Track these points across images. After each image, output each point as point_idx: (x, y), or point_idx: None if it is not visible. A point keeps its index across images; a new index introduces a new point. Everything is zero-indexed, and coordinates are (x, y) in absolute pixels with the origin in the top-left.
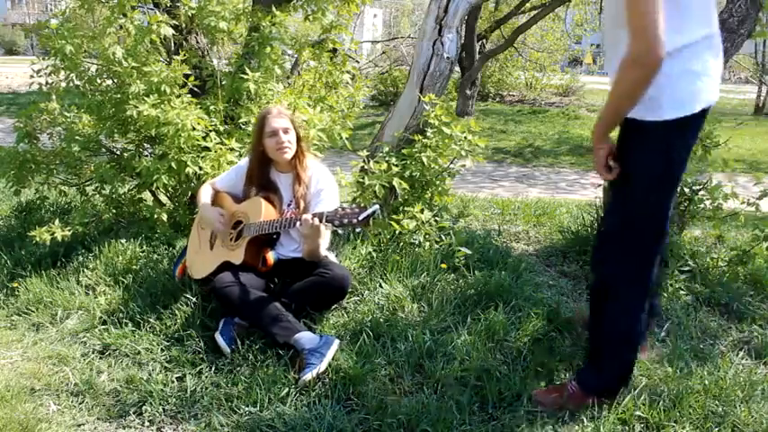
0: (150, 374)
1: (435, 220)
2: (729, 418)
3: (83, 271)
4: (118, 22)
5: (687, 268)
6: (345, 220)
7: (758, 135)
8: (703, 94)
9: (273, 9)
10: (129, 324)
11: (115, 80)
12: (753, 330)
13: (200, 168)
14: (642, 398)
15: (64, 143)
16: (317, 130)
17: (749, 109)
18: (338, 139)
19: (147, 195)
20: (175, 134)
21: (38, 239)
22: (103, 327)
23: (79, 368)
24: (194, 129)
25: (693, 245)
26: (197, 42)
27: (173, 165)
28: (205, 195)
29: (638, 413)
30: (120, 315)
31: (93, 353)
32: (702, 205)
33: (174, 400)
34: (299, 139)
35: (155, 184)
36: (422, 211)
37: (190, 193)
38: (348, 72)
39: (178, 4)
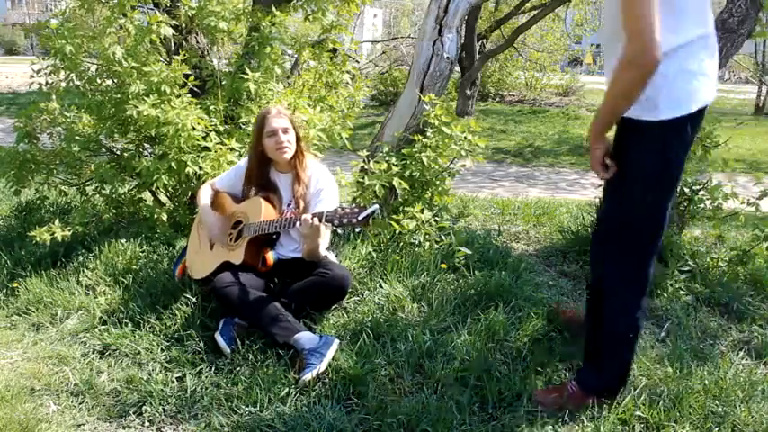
0: (150, 374)
1: (435, 220)
2: (729, 418)
3: (83, 271)
4: (118, 22)
5: (687, 268)
6: (345, 220)
7: (758, 135)
8: (700, 93)
9: (273, 9)
10: (129, 324)
11: (115, 80)
12: (753, 330)
13: (200, 168)
14: (642, 398)
15: (64, 143)
16: (316, 130)
17: (749, 109)
18: (338, 139)
19: (147, 195)
20: (175, 134)
21: (38, 239)
22: (103, 327)
23: (79, 368)
24: (194, 129)
25: (693, 245)
26: (197, 42)
27: (173, 165)
28: (205, 196)
29: (638, 413)
30: (120, 315)
31: (93, 353)
32: (702, 205)
33: (174, 400)
34: (298, 139)
35: (155, 184)
36: (422, 211)
37: (190, 193)
38: (348, 72)
39: (178, 4)
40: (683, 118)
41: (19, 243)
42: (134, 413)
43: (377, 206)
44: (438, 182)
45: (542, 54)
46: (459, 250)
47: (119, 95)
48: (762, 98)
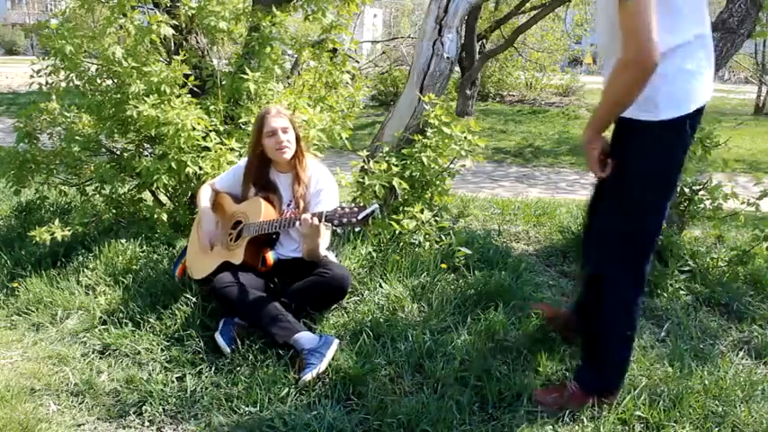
0: (150, 374)
1: (435, 220)
2: (729, 418)
3: (83, 271)
4: (118, 22)
5: (687, 268)
6: (345, 220)
7: (758, 135)
8: (698, 93)
9: (273, 9)
10: (129, 324)
11: (115, 80)
12: (753, 330)
13: (201, 168)
14: (642, 398)
15: (64, 143)
16: (316, 130)
17: (749, 109)
18: (338, 139)
19: (147, 195)
20: (175, 134)
21: (38, 239)
22: (103, 327)
23: (79, 368)
24: (194, 129)
25: (693, 245)
26: (197, 42)
27: (173, 165)
28: (205, 197)
29: (638, 413)
30: (120, 315)
31: (93, 353)
32: (702, 205)
33: (174, 400)
34: (298, 139)
35: (155, 184)
36: (422, 211)
37: (190, 193)
38: (348, 72)
39: (178, 4)
40: (682, 118)
41: (19, 243)
42: (134, 413)
43: (376, 206)
44: (438, 182)
45: (542, 54)
46: (460, 250)
47: (119, 95)
48: (762, 98)
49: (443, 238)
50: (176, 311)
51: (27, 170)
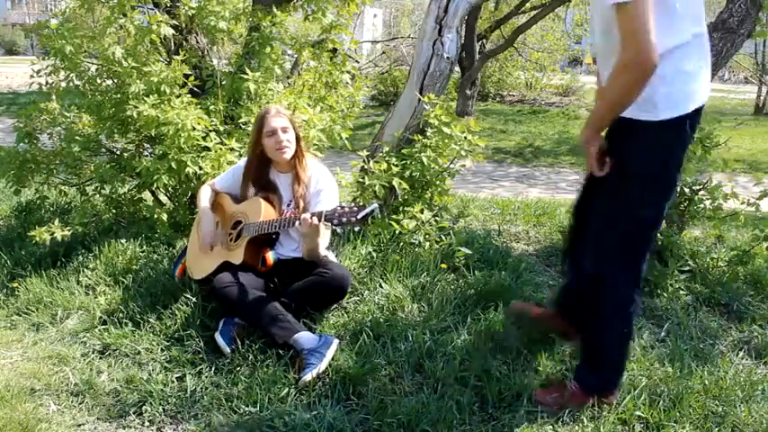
0: (150, 374)
1: (435, 220)
2: (729, 418)
3: (83, 271)
4: (118, 22)
5: (687, 268)
6: (344, 219)
7: (758, 135)
8: (697, 93)
9: (273, 9)
10: (129, 324)
11: (115, 80)
12: (753, 330)
13: (201, 168)
14: (642, 398)
15: (64, 143)
16: (316, 130)
17: (749, 109)
18: (338, 139)
19: (147, 195)
20: (175, 134)
21: (38, 239)
22: (103, 327)
23: (79, 368)
24: (194, 129)
25: (693, 245)
26: (197, 42)
27: (173, 165)
28: (204, 198)
29: (638, 413)
30: (120, 315)
31: (93, 353)
32: (702, 205)
33: (174, 400)
34: (298, 139)
35: (155, 184)
36: (422, 211)
37: (190, 193)
38: (348, 72)
39: (178, 4)
40: (681, 118)
41: (19, 243)
42: (134, 413)
43: (376, 205)
44: (438, 182)
45: (542, 54)
46: (460, 250)
47: (119, 95)
48: (762, 98)
49: (443, 238)
50: (176, 311)
51: (27, 170)
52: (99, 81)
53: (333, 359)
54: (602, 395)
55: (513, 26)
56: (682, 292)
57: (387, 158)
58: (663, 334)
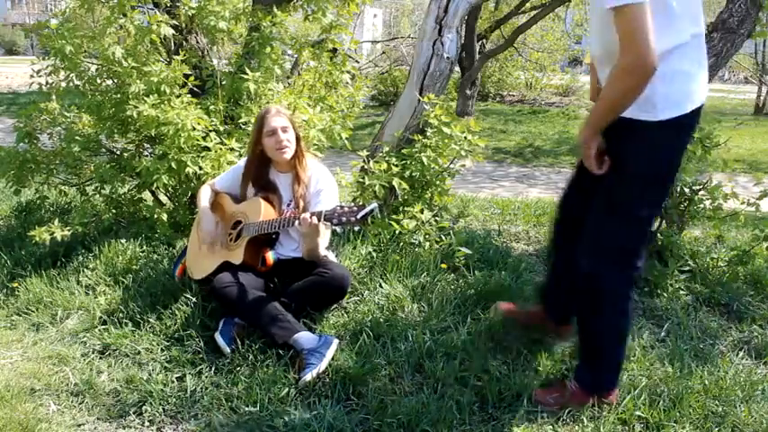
0: (150, 374)
1: (435, 220)
2: (729, 418)
3: (83, 271)
4: (118, 22)
5: (687, 268)
6: (344, 219)
7: (758, 135)
8: (696, 93)
9: (273, 9)
10: (129, 324)
11: (115, 80)
12: (753, 330)
13: (201, 168)
14: (642, 398)
15: (64, 143)
16: (316, 130)
17: (749, 109)
18: (338, 139)
19: (147, 195)
20: (175, 134)
21: (38, 239)
22: (103, 327)
23: (79, 368)
24: (194, 129)
25: (693, 245)
26: (197, 42)
27: (173, 165)
28: (204, 198)
29: (638, 413)
30: (120, 315)
31: (93, 353)
32: (702, 205)
33: (174, 400)
34: (298, 139)
35: (155, 184)
36: (422, 211)
37: (190, 193)
38: (348, 72)
39: (178, 4)
40: (680, 118)
41: (19, 243)
42: (134, 413)
43: (375, 204)
44: (438, 182)
45: (542, 54)
46: (460, 250)
47: (119, 95)
48: (762, 98)
49: (443, 238)
50: (176, 311)
51: (27, 170)
52: (99, 81)
53: (333, 359)
54: (601, 394)
55: (513, 26)
56: (682, 292)
57: (387, 158)
58: (663, 334)
